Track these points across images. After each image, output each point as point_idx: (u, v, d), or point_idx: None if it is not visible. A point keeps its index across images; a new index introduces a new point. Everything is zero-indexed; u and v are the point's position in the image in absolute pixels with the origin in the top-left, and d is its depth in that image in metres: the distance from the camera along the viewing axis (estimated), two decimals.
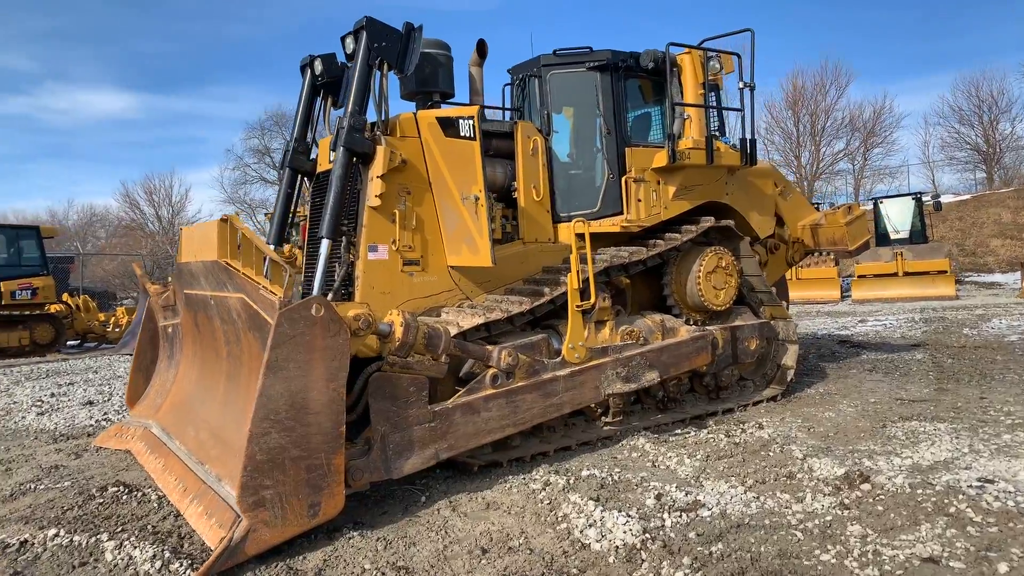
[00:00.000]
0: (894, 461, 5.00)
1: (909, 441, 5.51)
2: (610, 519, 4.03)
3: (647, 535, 3.87)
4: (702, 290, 6.51)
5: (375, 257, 5.46)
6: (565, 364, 5.34)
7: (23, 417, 8.22)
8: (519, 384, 5.04)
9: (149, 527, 4.39)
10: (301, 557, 3.87)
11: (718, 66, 6.87)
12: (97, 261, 34.97)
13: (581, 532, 3.97)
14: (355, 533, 4.11)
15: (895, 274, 20.34)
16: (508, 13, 65.60)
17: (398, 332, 4.36)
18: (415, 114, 5.68)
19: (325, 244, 5.27)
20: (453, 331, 5.11)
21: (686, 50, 6.82)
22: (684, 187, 6.62)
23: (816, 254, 10.28)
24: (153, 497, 4.98)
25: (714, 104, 7.18)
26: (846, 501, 4.30)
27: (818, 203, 23.30)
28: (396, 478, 4.43)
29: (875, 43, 55.26)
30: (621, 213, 6.54)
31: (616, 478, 4.89)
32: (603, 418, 5.97)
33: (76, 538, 4.18)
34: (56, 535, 4.24)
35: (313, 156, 6.27)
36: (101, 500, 4.93)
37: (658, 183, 6.51)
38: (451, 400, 4.73)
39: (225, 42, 69.18)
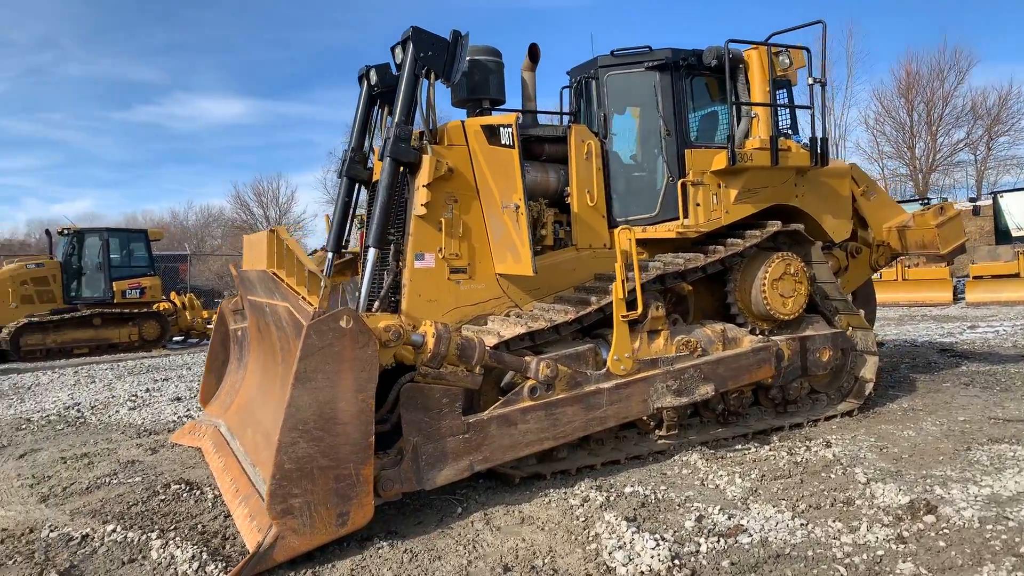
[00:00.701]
0: (970, 490, 4.58)
1: (993, 467, 5.04)
2: (640, 542, 3.89)
3: (676, 561, 3.71)
4: (767, 298, 6.19)
5: (421, 265, 5.50)
6: (610, 376, 5.20)
7: (116, 411, 8.82)
8: (559, 396, 4.95)
9: (199, 527, 4.61)
10: (330, 565, 3.94)
11: (788, 61, 6.51)
12: (206, 261, 37.21)
13: (609, 554, 3.86)
14: (385, 543, 4.15)
15: (1015, 275, 18.72)
16: (604, 9, 64.88)
17: (429, 343, 4.38)
18: (463, 122, 5.69)
19: (372, 253, 5.35)
20: (493, 340, 5.09)
21: (752, 46, 6.50)
22: (747, 190, 6.31)
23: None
24: (210, 496, 5.22)
25: (783, 102, 6.81)
26: (904, 534, 3.98)
27: (928, 199, 21.81)
28: (428, 489, 4.45)
29: (1000, 23, 50.97)
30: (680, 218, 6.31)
31: (659, 496, 4.73)
32: (656, 431, 5.78)
33: (130, 535, 4.44)
34: (114, 530, 4.51)
35: (370, 165, 6.39)
36: (163, 497, 5.22)
37: (719, 186, 6.23)
38: (487, 412, 4.70)
39: (329, 48, 72.14)
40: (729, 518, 4.27)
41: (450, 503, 4.81)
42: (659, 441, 5.76)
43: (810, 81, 6.35)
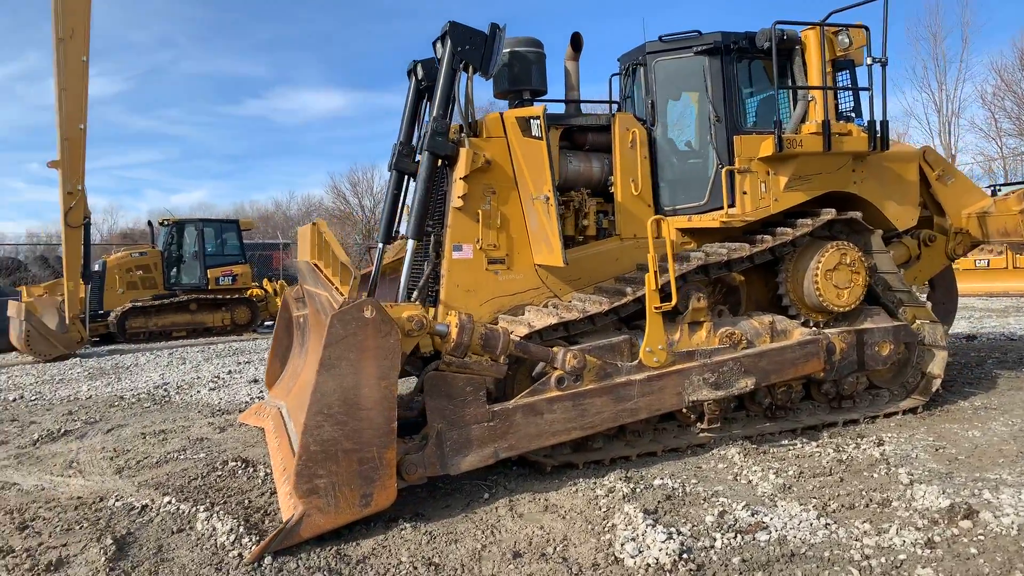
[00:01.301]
0: (1022, 496, 4.31)
1: None
2: (651, 535, 3.90)
3: (684, 556, 3.69)
4: (820, 289, 5.97)
5: (459, 256, 5.63)
6: (642, 368, 5.18)
7: (198, 391, 9.46)
8: (587, 387, 4.98)
9: (245, 502, 4.93)
10: (354, 543, 4.14)
11: (847, 41, 6.22)
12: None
13: (621, 545, 3.88)
14: (409, 525, 4.32)
15: None
16: None
17: (453, 333, 4.50)
18: (501, 114, 5.76)
19: (411, 244, 5.52)
20: (524, 331, 5.17)
21: (809, 26, 6.25)
22: (798, 176, 6.07)
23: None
24: (263, 473, 5.56)
25: (844, 84, 6.51)
26: (936, 538, 3.80)
27: (998, 186, 20.12)
28: (453, 474, 4.59)
29: None
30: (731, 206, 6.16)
31: (687, 490, 4.69)
32: (698, 424, 5.71)
33: (182, 506, 4.80)
34: (170, 502, 4.89)
35: (418, 158, 6.56)
36: (220, 473, 5.60)
37: (768, 173, 6.04)
38: (512, 401, 4.79)
39: (429, 36, 73.36)
40: (752, 515, 4.20)
41: (479, 489, 4.94)
42: (700, 434, 5.69)
43: (868, 61, 6.05)
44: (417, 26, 73.74)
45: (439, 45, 5.74)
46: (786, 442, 5.70)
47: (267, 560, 3.91)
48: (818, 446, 5.54)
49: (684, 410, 5.59)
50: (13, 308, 13.47)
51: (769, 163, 6.04)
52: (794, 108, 6.35)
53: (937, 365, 6.47)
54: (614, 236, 6.27)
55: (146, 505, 4.90)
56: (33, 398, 9.38)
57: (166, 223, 17.62)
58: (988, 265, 18.85)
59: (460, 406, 4.55)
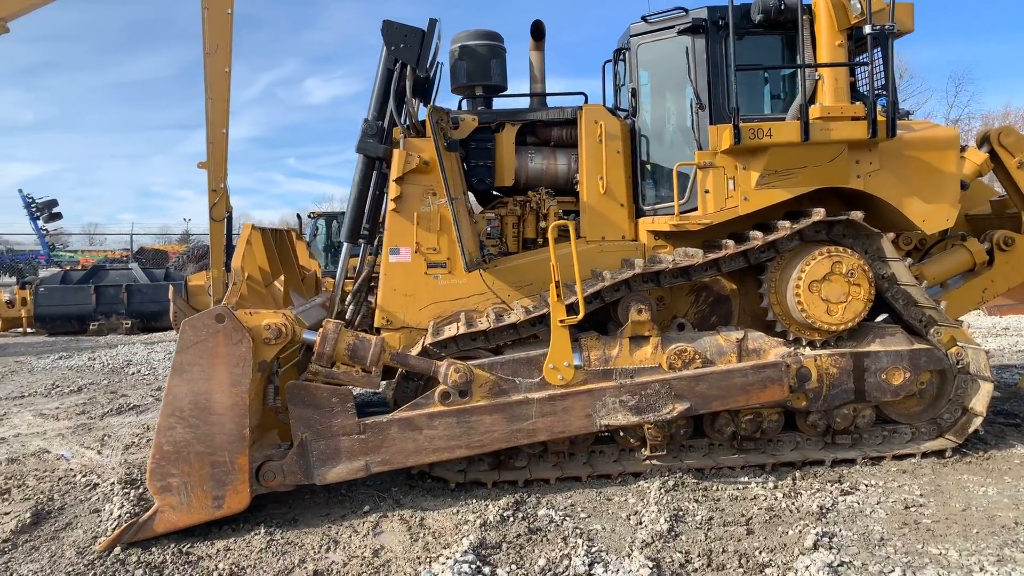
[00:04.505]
0: None
1: None
2: (441, 572, 3.62)
3: None
4: (804, 304, 5.08)
5: (396, 260, 5.55)
6: (545, 386, 4.77)
7: None
8: (477, 403, 4.69)
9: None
10: (208, 542, 4.30)
11: (859, 6, 5.17)
12: None
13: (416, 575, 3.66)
14: (264, 530, 4.35)
15: None
16: None
17: (317, 342, 4.47)
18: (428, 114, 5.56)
19: (344, 248, 5.55)
20: (429, 341, 4.99)
21: None
22: (773, 171, 5.15)
23: None
24: None
25: (863, 61, 5.44)
26: None
27: None
28: (319, 484, 4.57)
29: None
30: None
31: (562, 525, 4.29)
32: (643, 450, 5.16)
33: (122, 487, 5.25)
34: (114, 482, 5.37)
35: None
36: None
37: (736, 168, 5.21)
38: (389, 414, 4.66)
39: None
40: (589, 566, 3.73)
41: (371, 497, 4.88)
42: (645, 461, 5.15)
43: (868, 29, 4.99)
44: None
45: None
46: (742, 479, 4.96)
47: (116, 550, 4.19)
48: (769, 488, 4.77)
49: (621, 433, 5.10)
50: (171, 291, 15.52)
51: (737, 156, 5.22)
52: (803, 88, 5.42)
53: (980, 400, 5.24)
54: (579, 239, 5.80)
55: (97, 484, 5.43)
56: (146, 372, 10.73)
57: (312, 216, 19.14)
58: None
59: (327, 416, 4.52)
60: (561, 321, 4.76)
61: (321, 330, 4.52)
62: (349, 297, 5.70)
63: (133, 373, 10.59)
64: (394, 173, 5.45)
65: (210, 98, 15.18)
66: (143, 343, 13.54)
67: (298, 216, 20.34)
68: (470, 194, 6.06)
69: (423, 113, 5.58)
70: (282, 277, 6.14)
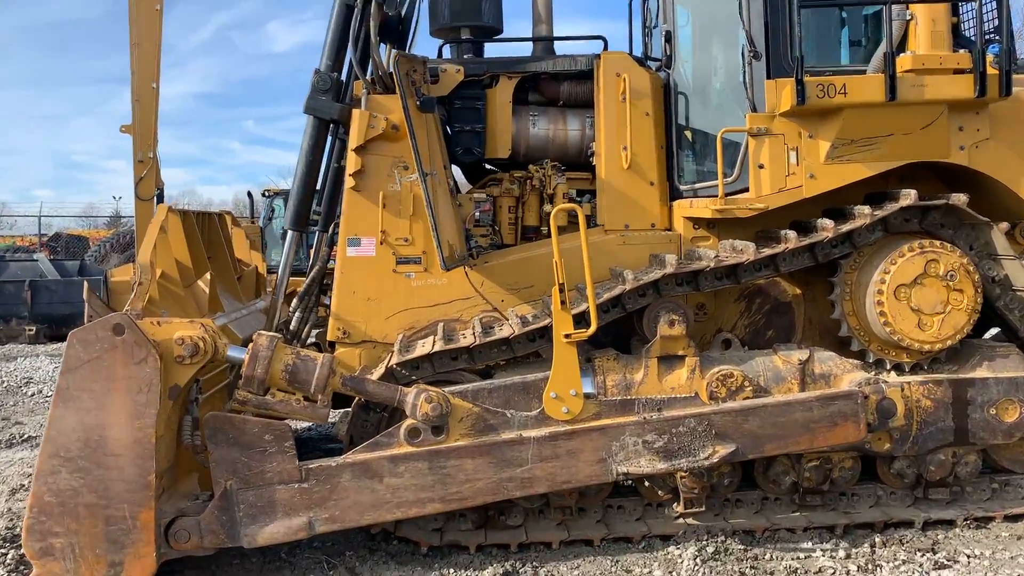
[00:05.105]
0: None
1: None
2: None
3: None
4: (888, 316, 4.89)
5: (356, 253, 5.39)
6: (546, 421, 4.61)
7: None
8: (455, 444, 4.52)
9: None
10: None
11: None
12: None
13: None
14: None
15: None
16: None
17: (246, 362, 4.31)
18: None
19: (290, 237, 5.41)
20: (395, 360, 4.84)
21: None
22: (848, 141, 4.95)
23: None
24: None
25: None
26: None
27: None
28: (248, 548, 4.42)
29: None
30: None
31: None
32: (674, 505, 5.01)
33: None
34: None
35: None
36: None
37: (800, 136, 5.04)
38: (340, 457, 4.49)
39: None
40: None
41: (317, 564, 4.76)
42: (677, 520, 5.00)
43: None
44: None
45: None
46: (804, 545, 4.80)
47: None
48: (840, 558, 4.60)
49: (646, 484, 4.95)
50: (87, 290, 15.56)
51: (800, 121, 5.03)
52: (888, 32, 5.23)
53: None
54: (595, 227, 5.66)
55: None
56: (50, 393, 10.65)
57: (269, 194, 19.06)
58: None
59: (257, 459, 4.36)
60: (567, 336, 4.58)
61: (251, 346, 4.35)
62: (295, 302, 5.56)
63: (33, 394, 10.55)
64: (353, 141, 5.28)
65: (136, 43, 15.17)
66: (49, 355, 13.46)
67: (249, 194, 20.30)
68: (454, 168, 5.94)
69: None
70: (208, 275, 5.99)
